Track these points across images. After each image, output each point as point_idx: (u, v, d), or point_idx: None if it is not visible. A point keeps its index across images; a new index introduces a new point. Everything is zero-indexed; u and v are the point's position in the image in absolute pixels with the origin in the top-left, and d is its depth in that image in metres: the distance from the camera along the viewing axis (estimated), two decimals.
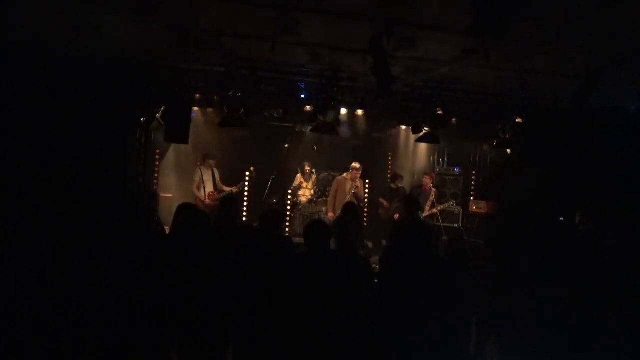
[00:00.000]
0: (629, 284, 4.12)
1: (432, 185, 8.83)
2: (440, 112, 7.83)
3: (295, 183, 9.47)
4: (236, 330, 3.64)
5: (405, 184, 9.40)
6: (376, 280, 3.98)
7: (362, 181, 8.72)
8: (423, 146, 9.91)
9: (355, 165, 8.51)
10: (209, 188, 8.52)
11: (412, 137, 8.68)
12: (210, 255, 3.75)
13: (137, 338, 3.47)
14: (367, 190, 10.29)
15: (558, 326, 3.90)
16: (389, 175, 9.45)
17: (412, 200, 7.68)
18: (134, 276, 3.53)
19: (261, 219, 4.42)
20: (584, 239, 5.68)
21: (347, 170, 8.66)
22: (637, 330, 3.81)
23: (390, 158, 10.91)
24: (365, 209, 10.29)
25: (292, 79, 7.64)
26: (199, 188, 8.45)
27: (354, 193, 8.44)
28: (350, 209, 6.05)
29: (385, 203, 9.10)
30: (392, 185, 9.18)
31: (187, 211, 4.10)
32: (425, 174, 9.08)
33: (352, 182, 8.50)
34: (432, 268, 3.58)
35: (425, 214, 8.60)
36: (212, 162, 8.63)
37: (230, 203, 5.18)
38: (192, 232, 3.88)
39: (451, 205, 9.05)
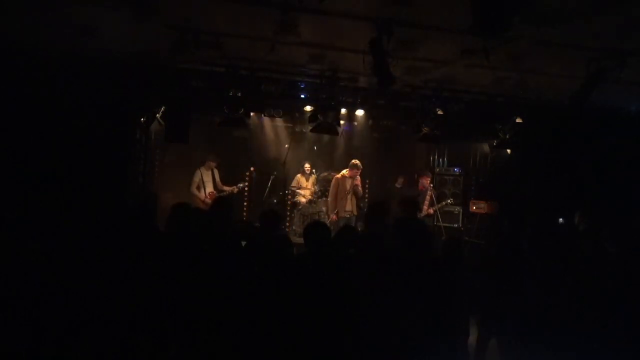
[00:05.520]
0: (629, 283, 4.12)
1: (429, 184, 8.80)
2: (440, 112, 7.82)
3: (295, 183, 9.46)
4: (234, 330, 3.64)
5: (405, 184, 9.38)
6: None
7: (360, 178, 8.58)
8: (423, 146, 9.90)
9: (355, 162, 8.37)
10: (209, 188, 8.56)
11: (412, 137, 8.66)
12: (206, 254, 3.74)
13: (135, 338, 3.46)
14: (367, 190, 10.28)
15: (558, 327, 3.90)
16: (390, 176, 9.42)
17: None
18: (133, 275, 3.53)
19: (260, 220, 4.40)
20: (583, 239, 5.68)
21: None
22: (637, 330, 3.81)
23: (390, 158, 10.90)
24: (366, 209, 10.27)
25: (292, 79, 7.63)
26: (198, 188, 8.48)
27: (354, 191, 8.38)
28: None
29: None
30: (396, 185, 9.17)
31: (182, 210, 4.10)
32: (422, 174, 9.04)
33: (351, 179, 8.38)
34: (424, 268, 3.57)
35: (423, 213, 8.58)
36: (212, 163, 8.66)
37: (224, 203, 5.18)
38: (187, 231, 3.88)
39: (448, 203, 9.02)
